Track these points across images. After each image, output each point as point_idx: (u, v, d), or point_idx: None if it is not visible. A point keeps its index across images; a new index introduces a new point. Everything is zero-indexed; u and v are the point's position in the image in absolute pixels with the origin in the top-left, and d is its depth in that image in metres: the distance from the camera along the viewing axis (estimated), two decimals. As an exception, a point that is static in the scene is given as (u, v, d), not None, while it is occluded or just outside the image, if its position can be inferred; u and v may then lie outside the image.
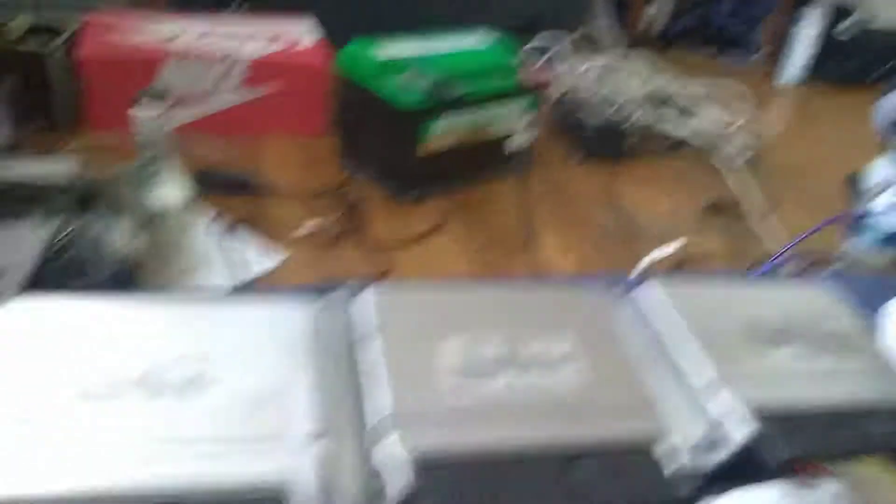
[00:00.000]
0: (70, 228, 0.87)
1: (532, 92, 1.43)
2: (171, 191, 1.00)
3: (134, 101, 0.99)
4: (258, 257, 1.11)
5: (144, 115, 0.97)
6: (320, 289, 0.58)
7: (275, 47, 1.46)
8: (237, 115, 1.42)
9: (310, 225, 1.20)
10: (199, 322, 0.48)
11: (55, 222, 0.88)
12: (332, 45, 1.51)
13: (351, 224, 1.23)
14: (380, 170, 1.32)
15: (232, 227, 1.15)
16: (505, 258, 1.22)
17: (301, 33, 1.54)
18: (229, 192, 1.23)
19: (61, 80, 1.32)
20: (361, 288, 0.54)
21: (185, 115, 1.37)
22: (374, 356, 0.48)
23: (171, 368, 0.43)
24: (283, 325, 0.48)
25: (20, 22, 1.36)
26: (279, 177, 1.32)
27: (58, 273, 0.82)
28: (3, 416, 0.40)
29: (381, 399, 0.46)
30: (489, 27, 1.50)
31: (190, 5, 1.61)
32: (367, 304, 0.51)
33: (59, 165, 1.02)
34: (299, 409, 0.43)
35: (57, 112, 1.32)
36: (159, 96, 0.98)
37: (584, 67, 1.85)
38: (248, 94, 1.42)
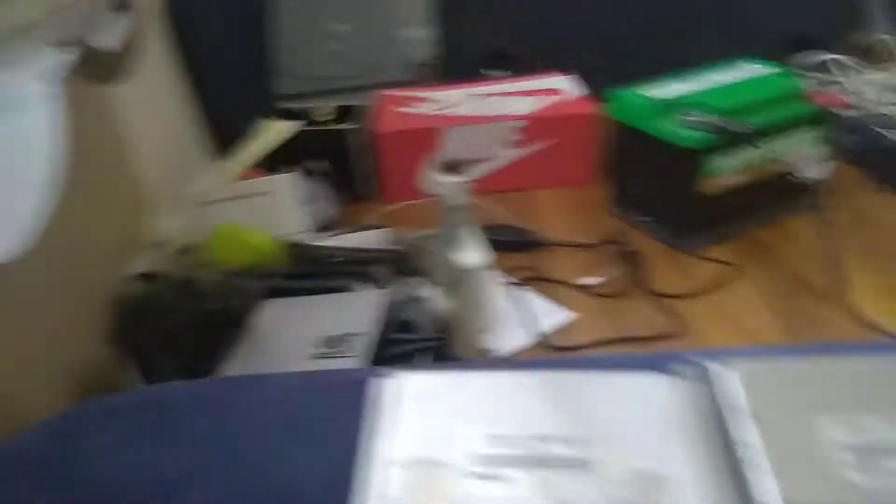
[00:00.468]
0: (398, 294, 0.97)
1: (821, 116, 1.31)
2: (472, 253, 1.07)
3: (432, 169, 1.07)
4: (548, 313, 1.14)
5: (445, 181, 1.05)
6: (647, 358, 0.57)
7: (542, 103, 1.51)
8: (510, 172, 1.49)
9: (592, 278, 1.21)
10: (564, 395, 0.49)
11: (384, 289, 0.98)
12: (595, 96, 1.54)
13: (634, 275, 1.21)
14: (660, 216, 1.29)
15: (520, 284, 1.20)
16: (812, 305, 1.11)
17: (564, 87, 1.58)
18: (510, 248, 1.28)
19: (360, 155, 1.49)
20: (700, 358, 0.52)
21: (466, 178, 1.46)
22: (748, 437, 0.45)
23: (551, 445, 0.44)
24: (648, 398, 0.48)
25: (326, 106, 1.56)
26: (554, 229, 1.35)
27: (391, 336, 0.92)
28: (397, 490, 0.43)
29: (766, 487, 0.43)
30: (747, 54, 1.41)
31: (458, 75, 1.74)
32: (731, 378, 0.48)
33: (375, 236, 1.15)
34: (685, 490, 0.42)
35: (358, 186, 1.49)
36: (458, 164, 1.06)
37: (869, 82, 1.66)
38: (521, 151, 1.48)
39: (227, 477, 0.52)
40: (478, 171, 1.50)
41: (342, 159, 1.46)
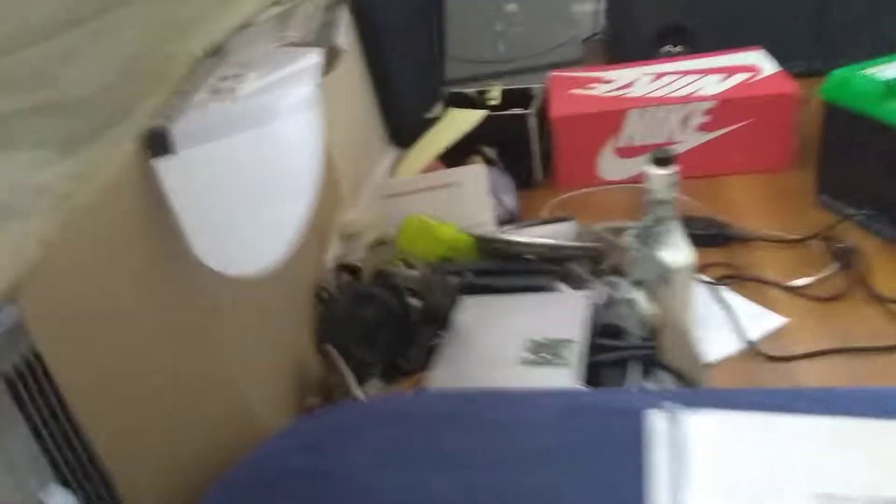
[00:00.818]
0: (599, 295, 0.92)
1: None
2: (678, 251, 0.99)
3: (647, 159, 0.99)
4: (755, 316, 1.05)
5: (655, 173, 0.97)
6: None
7: (733, 82, 1.39)
8: (697, 157, 1.38)
9: (802, 278, 1.10)
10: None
11: (585, 289, 0.93)
12: (789, 73, 1.40)
13: (850, 275, 1.09)
14: (882, 209, 1.15)
15: (721, 284, 1.11)
16: None
17: (754, 65, 1.45)
18: (705, 242, 1.18)
19: (533, 141, 1.43)
20: None
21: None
22: None
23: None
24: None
25: (495, 91, 1.52)
26: (749, 221, 1.25)
27: (598, 341, 0.87)
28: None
29: None
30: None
31: (630, 53, 1.64)
32: None
33: (563, 229, 1.10)
34: None
35: (531, 173, 1.44)
36: (669, 154, 0.98)
37: None
38: (709, 135, 1.38)
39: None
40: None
41: (514, 145, 1.42)
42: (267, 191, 0.54)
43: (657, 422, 0.47)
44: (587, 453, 0.50)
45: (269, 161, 0.53)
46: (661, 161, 0.98)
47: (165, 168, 0.56)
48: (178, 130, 0.56)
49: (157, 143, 0.57)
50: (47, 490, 0.57)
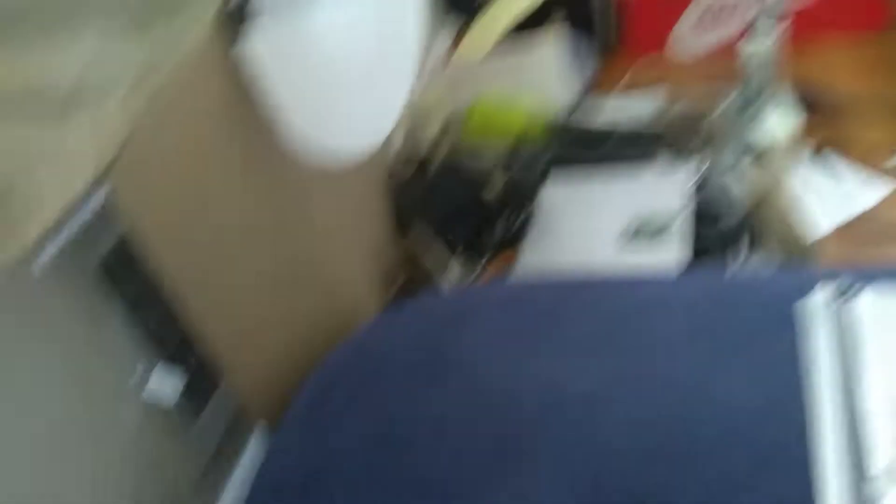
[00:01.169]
0: (694, 173, 0.85)
1: None
2: (778, 120, 0.91)
3: (747, 25, 0.90)
4: (862, 184, 0.97)
5: (755, 39, 0.88)
6: None
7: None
8: (790, 21, 1.26)
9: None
10: None
11: (679, 167, 0.87)
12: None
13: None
14: None
15: (821, 155, 1.03)
16: None
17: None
18: (804, 110, 1.09)
19: (604, 14, 1.31)
20: None
21: (728, 31, 1.26)
22: None
23: None
24: None
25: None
26: (848, 84, 1.14)
27: (699, 223, 0.81)
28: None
29: None
30: None
31: None
32: None
33: (648, 102, 1.02)
34: None
35: (604, 40, 1.32)
36: (772, 19, 0.88)
37: None
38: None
39: (635, 393, 0.46)
40: (742, 24, 1.28)
41: (585, 12, 1.30)
42: (364, 69, 0.48)
43: (818, 304, 0.43)
44: (733, 338, 0.46)
45: (365, 37, 0.47)
46: (762, 26, 0.89)
47: (251, 47, 0.51)
48: (264, 6, 0.49)
49: (241, 21, 0.50)
50: (150, 369, 0.56)
